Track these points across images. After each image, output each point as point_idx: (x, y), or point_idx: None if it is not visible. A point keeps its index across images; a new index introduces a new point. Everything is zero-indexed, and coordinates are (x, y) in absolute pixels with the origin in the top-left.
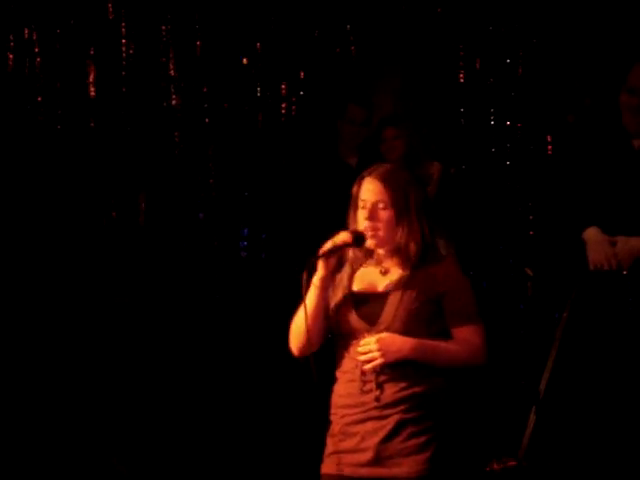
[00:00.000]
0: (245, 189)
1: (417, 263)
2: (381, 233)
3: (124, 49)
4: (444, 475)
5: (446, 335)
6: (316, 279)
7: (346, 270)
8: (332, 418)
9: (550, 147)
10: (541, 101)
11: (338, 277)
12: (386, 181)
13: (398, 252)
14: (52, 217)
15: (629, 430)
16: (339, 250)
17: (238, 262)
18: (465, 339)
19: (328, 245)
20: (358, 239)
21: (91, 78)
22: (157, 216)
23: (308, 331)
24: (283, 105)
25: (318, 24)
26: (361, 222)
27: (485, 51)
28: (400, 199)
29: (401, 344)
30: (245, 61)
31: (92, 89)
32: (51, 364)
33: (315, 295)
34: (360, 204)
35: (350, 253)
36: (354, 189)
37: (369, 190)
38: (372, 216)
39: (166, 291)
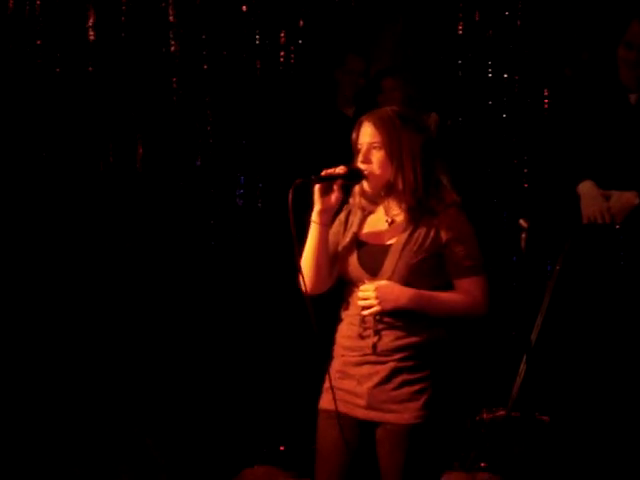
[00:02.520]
0: (242, 137)
1: (419, 210)
2: (376, 173)
3: None
4: (436, 423)
5: (449, 287)
6: (314, 214)
7: (357, 214)
8: (334, 354)
9: (547, 100)
10: (539, 54)
11: (350, 221)
12: (379, 123)
13: (392, 193)
14: (49, 161)
15: (619, 380)
16: (331, 180)
17: (234, 210)
18: (466, 290)
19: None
20: (353, 173)
21: (90, 22)
22: (154, 162)
23: (313, 267)
24: (282, 53)
25: None
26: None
27: (484, 3)
28: (393, 140)
29: (399, 294)
30: (244, 8)
31: (91, 33)
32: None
33: (315, 231)
34: (358, 147)
35: (357, 199)
36: (353, 135)
37: (364, 133)
38: (366, 158)
39: (161, 238)
